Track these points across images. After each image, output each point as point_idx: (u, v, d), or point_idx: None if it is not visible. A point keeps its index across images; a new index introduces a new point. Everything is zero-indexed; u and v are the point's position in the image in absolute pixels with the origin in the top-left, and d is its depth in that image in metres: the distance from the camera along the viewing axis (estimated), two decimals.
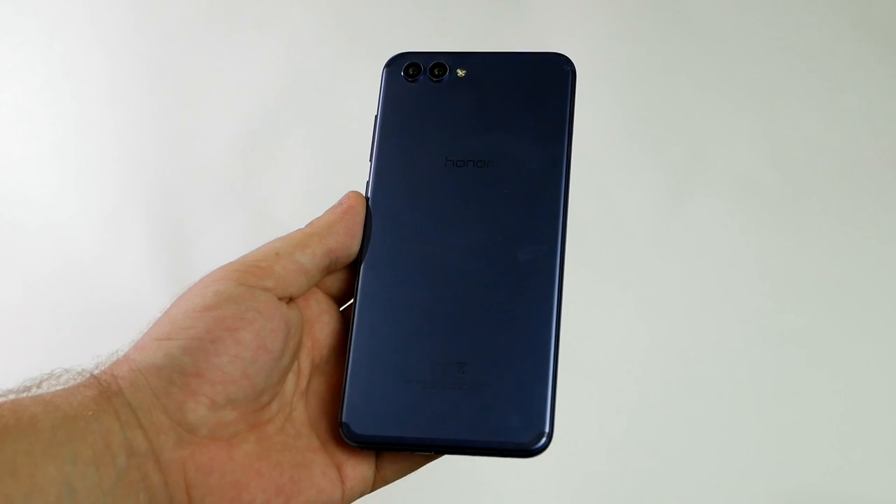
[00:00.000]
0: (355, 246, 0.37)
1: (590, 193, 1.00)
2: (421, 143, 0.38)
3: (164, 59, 1.08)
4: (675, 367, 0.95)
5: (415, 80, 0.39)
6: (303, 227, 0.38)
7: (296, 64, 1.07)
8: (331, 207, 0.38)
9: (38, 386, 0.33)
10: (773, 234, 0.97)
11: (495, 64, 0.38)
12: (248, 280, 0.33)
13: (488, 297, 0.34)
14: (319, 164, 1.05)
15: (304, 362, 0.36)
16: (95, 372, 0.33)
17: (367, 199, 0.38)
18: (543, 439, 0.30)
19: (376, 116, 0.39)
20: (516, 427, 0.30)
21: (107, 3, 1.09)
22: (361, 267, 0.37)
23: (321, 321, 0.37)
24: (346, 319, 0.38)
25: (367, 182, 0.38)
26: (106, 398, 0.30)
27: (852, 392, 0.92)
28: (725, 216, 0.98)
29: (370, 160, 0.38)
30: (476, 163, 0.36)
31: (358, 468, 0.35)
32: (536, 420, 0.30)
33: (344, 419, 0.34)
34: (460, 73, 0.38)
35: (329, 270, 0.37)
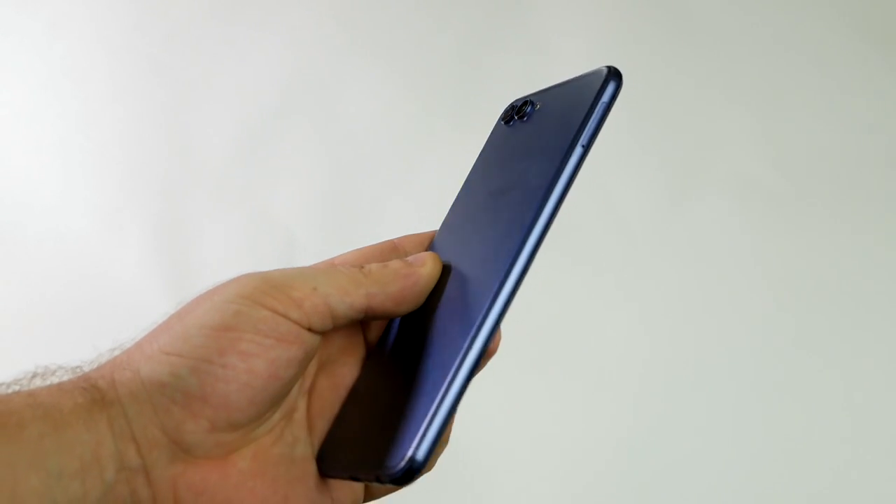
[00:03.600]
0: (399, 312, 0.34)
1: (590, 193, 1.00)
2: (482, 182, 0.37)
3: (165, 58, 1.08)
4: (675, 365, 0.95)
5: (509, 123, 0.37)
6: (354, 261, 0.35)
7: (296, 64, 1.07)
8: (401, 261, 0.34)
9: (30, 381, 0.32)
10: (773, 234, 0.97)
11: (560, 91, 0.35)
12: (275, 306, 0.31)
13: (435, 349, 0.32)
14: (319, 164, 1.05)
15: (312, 363, 0.35)
16: (91, 371, 0.31)
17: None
18: (403, 463, 0.28)
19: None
20: (392, 458, 0.29)
21: (107, 2, 1.09)
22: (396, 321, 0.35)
23: (341, 360, 0.36)
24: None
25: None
26: (101, 406, 0.29)
27: (853, 390, 0.92)
28: (726, 216, 0.98)
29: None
30: (501, 192, 0.35)
31: (346, 484, 0.34)
32: (405, 448, 0.29)
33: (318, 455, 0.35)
34: (538, 106, 0.36)
35: (360, 321, 0.34)
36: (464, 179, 0.39)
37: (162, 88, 1.08)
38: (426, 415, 0.29)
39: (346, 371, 0.36)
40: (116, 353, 0.32)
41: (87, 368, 0.32)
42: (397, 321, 0.36)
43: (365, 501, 0.36)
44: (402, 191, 1.03)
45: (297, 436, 0.34)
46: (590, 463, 0.93)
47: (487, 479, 0.94)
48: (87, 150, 1.07)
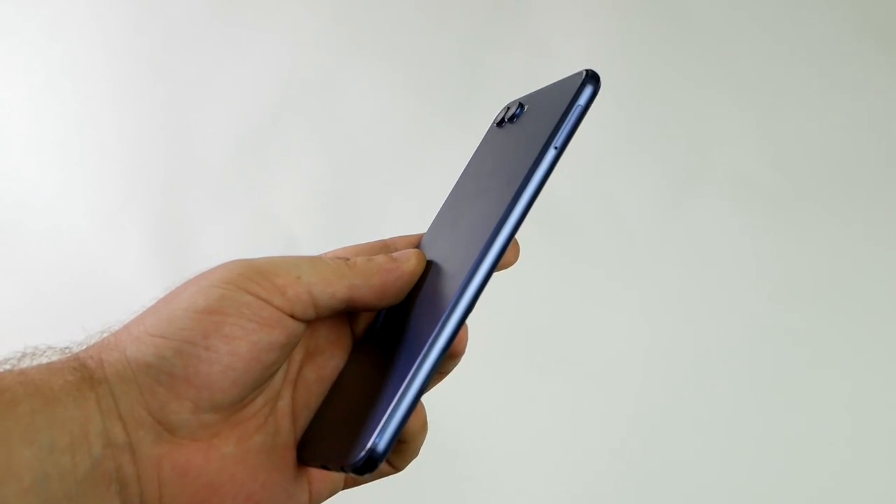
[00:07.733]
0: (380, 305, 0.35)
1: (590, 193, 1.00)
2: (470, 184, 0.37)
3: (165, 58, 1.09)
4: (675, 365, 0.95)
5: (500, 125, 0.38)
6: (344, 255, 0.36)
7: (296, 63, 1.07)
8: (386, 256, 0.35)
9: (19, 360, 0.33)
10: (772, 234, 0.97)
11: (545, 93, 0.36)
12: (258, 292, 0.32)
13: (406, 345, 0.33)
14: (319, 164, 1.05)
15: (298, 352, 0.36)
16: (80, 352, 0.32)
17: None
18: (363, 453, 0.29)
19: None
20: (355, 449, 0.30)
21: (107, 2, 1.09)
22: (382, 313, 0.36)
23: (327, 352, 0.36)
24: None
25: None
26: (89, 385, 0.30)
27: (852, 390, 0.92)
28: (725, 216, 0.98)
29: None
30: (481, 193, 0.35)
31: (326, 475, 0.35)
32: (365, 438, 0.30)
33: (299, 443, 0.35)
34: (526, 108, 0.37)
35: (344, 312, 0.35)
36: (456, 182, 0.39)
37: (162, 88, 1.08)
38: (387, 407, 0.30)
39: (333, 363, 0.36)
40: (105, 334, 0.33)
41: (75, 349, 0.33)
42: (383, 315, 0.36)
43: (346, 486, 0.37)
44: (402, 191, 1.03)
45: (279, 425, 0.34)
46: (589, 463, 0.93)
47: (486, 478, 0.94)
48: (86, 150, 1.07)
